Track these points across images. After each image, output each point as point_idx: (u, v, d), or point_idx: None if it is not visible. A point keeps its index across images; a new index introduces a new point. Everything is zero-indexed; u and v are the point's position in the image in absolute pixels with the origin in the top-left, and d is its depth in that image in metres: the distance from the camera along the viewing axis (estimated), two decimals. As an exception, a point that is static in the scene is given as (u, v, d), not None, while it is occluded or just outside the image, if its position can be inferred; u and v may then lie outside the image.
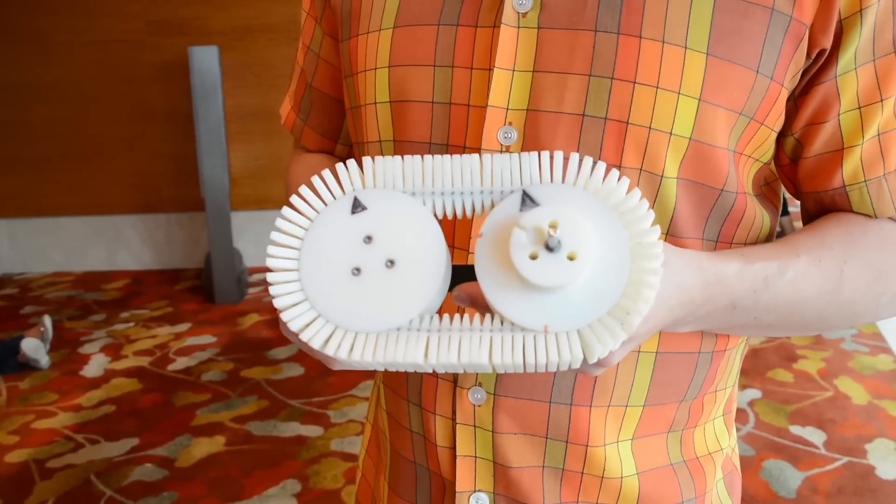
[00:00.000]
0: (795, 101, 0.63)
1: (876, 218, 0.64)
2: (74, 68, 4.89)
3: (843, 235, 0.62)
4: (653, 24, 0.57)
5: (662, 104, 0.57)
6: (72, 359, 3.66)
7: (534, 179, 0.46)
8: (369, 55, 0.65)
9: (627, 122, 0.57)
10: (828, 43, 0.59)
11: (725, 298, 0.57)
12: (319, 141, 0.83)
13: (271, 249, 0.47)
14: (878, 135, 0.62)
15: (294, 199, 0.48)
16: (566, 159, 0.46)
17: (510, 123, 0.59)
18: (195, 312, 4.27)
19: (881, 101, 0.61)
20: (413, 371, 0.47)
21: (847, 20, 0.58)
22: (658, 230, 0.45)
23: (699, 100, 0.57)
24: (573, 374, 0.62)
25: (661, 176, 0.58)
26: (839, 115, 0.62)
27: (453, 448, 0.66)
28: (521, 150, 0.59)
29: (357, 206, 0.47)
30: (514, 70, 0.59)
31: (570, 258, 0.43)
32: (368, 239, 0.47)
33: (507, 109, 0.59)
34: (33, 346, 3.54)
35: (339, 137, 0.82)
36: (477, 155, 0.47)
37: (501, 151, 0.59)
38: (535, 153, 0.47)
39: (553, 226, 0.43)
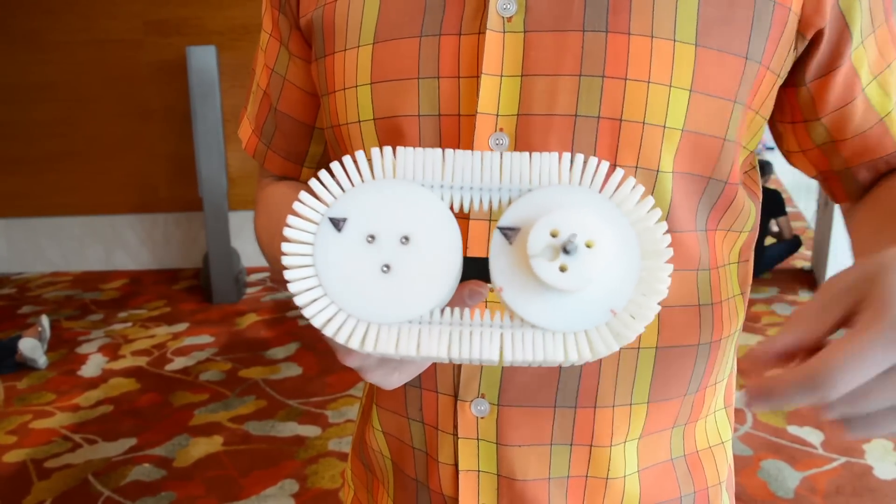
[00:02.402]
0: (810, 87, 0.64)
1: None
2: (72, 68, 4.89)
3: None
4: (640, 20, 0.57)
5: (655, 98, 0.57)
6: (69, 359, 3.66)
7: (540, 181, 0.46)
8: (348, 73, 0.64)
9: (621, 119, 0.57)
10: (823, 22, 0.60)
11: None
12: (283, 164, 0.81)
13: (285, 247, 0.47)
14: None
15: (296, 205, 0.48)
16: (573, 159, 0.46)
17: (501, 129, 0.59)
18: (193, 312, 4.27)
19: (888, 66, 0.65)
20: (429, 363, 0.47)
21: (844, 1, 0.60)
22: (664, 226, 0.45)
23: (690, 91, 0.57)
24: (577, 378, 0.62)
25: (657, 171, 0.58)
26: (863, 89, 0.65)
27: (455, 465, 0.65)
28: None
29: (338, 223, 0.47)
30: (502, 76, 0.58)
31: (588, 246, 0.43)
32: (371, 238, 0.47)
33: (498, 116, 0.59)
34: (31, 346, 3.54)
35: (304, 161, 0.79)
36: (474, 153, 0.47)
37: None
38: (549, 154, 0.46)
39: (557, 233, 0.44)
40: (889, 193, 0.67)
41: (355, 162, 0.47)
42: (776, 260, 4.91)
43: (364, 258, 0.46)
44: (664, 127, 0.57)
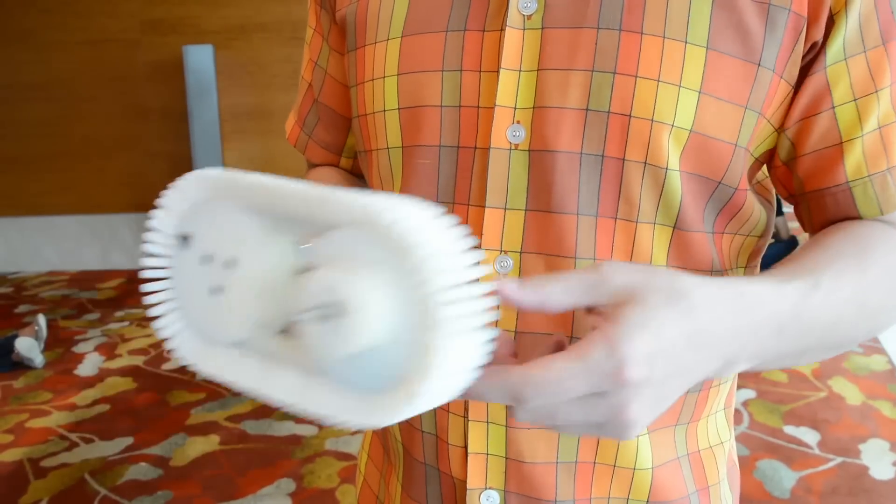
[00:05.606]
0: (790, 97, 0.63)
1: (882, 216, 0.64)
2: (69, 67, 4.88)
3: (852, 246, 0.61)
4: (654, 20, 0.58)
5: (664, 97, 0.58)
6: (66, 358, 3.66)
7: (339, 221, 0.43)
8: (377, 64, 0.67)
9: (630, 115, 0.58)
10: (819, 35, 0.60)
11: (771, 322, 0.52)
12: (324, 155, 0.85)
13: (145, 260, 0.48)
14: (879, 128, 0.62)
15: (152, 223, 0.48)
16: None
17: (518, 122, 0.60)
18: (190, 312, 4.27)
19: (876, 91, 0.62)
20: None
21: (837, 14, 0.60)
22: (455, 293, 0.40)
23: (699, 92, 0.58)
24: None
25: (666, 169, 0.59)
26: (834, 107, 0.62)
27: (465, 447, 0.66)
28: (530, 148, 0.60)
29: (185, 239, 0.48)
30: (520, 70, 0.60)
31: (348, 311, 0.40)
32: (207, 258, 0.47)
33: (515, 109, 0.60)
34: (27, 345, 3.54)
35: (342, 152, 0.84)
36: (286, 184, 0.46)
37: (510, 150, 0.61)
38: (347, 193, 0.43)
39: (325, 292, 0.41)
40: (815, 239, 0.64)
41: (200, 178, 0.48)
42: (773, 260, 4.84)
43: (200, 278, 0.47)
44: (672, 126, 0.58)
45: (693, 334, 0.46)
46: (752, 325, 0.51)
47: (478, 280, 0.42)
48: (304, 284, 0.42)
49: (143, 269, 0.47)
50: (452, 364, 0.40)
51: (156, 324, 0.47)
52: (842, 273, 0.58)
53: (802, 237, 5.78)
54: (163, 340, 0.48)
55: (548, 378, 0.43)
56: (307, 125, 0.84)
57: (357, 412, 0.42)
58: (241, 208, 0.46)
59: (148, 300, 0.47)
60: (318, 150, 0.85)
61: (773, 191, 0.71)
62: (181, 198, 0.48)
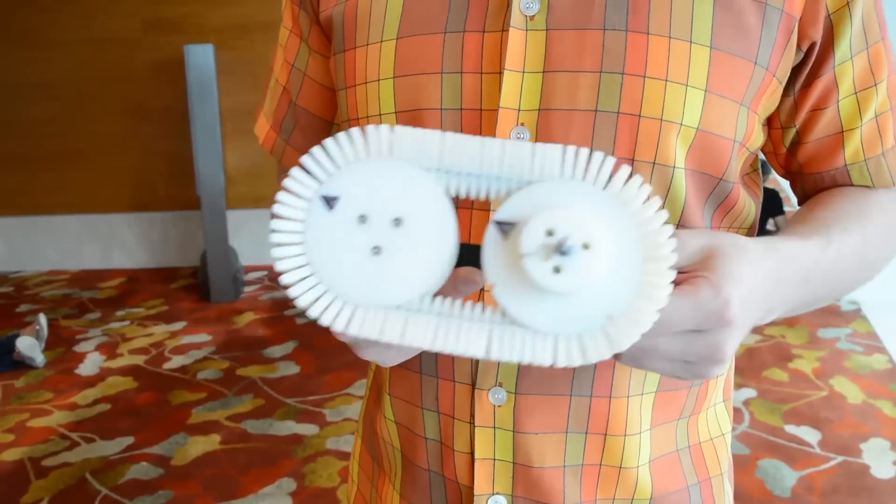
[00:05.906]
0: (796, 97, 0.66)
1: (873, 188, 0.70)
2: (70, 66, 4.88)
3: (852, 206, 0.67)
4: (659, 21, 0.59)
5: (672, 96, 0.58)
6: (67, 357, 3.66)
7: (542, 173, 0.45)
8: (370, 67, 0.65)
9: (640, 116, 0.59)
10: (817, 36, 0.62)
11: (799, 274, 0.59)
12: None
13: (275, 224, 0.46)
14: (876, 116, 0.68)
15: (287, 181, 0.46)
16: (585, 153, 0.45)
17: (522, 124, 0.60)
18: (191, 311, 4.27)
19: (875, 85, 0.66)
20: (417, 352, 0.47)
21: (835, 14, 0.62)
22: (669, 229, 0.44)
23: (705, 91, 0.59)
24: (592, 368, 0.64)
25: (673, 167, 0.60)
26: (838, 101, 0.66)
27: (472, 453, 0.66)
28: None
29: (330, 202, 0.46)
30: (524, 72, 0.60)
31: (585, 247, 0.42)
32: (363, 218, 0.46)
33: (519, 110, 0.60)
34: (28, 345, 3.54)
35: None
36: (483, 139, 0.46)
37: None
38: (552, 146, 0.45)
39: (553, 232, 0.42)
40: (817, 200, 0.70)
41: (351, 138, 0.46)
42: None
43: (354, 239, 0.45)
44: (681, 125, 0.59)
45: (761, 284, 0.53)
46: (787, 277, 0.57)
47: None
48: (520, 230, 0.44)
49: (275, 232, 0.45)
50: (663, 302, 0.44)
51: (292, 291, 0.45)
52: (847, 230, 0.64)
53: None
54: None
55: (660, 316, 0.46)
56: (284, 130, 0.81)
57: (558, 354, 0.44)
58: (405, 165, 0.46)
59: (281, 267, 0.45)
60: (295, 157, 0.81)
61: (760, 185, 0.73)
62: (329, 159, 0.46)
